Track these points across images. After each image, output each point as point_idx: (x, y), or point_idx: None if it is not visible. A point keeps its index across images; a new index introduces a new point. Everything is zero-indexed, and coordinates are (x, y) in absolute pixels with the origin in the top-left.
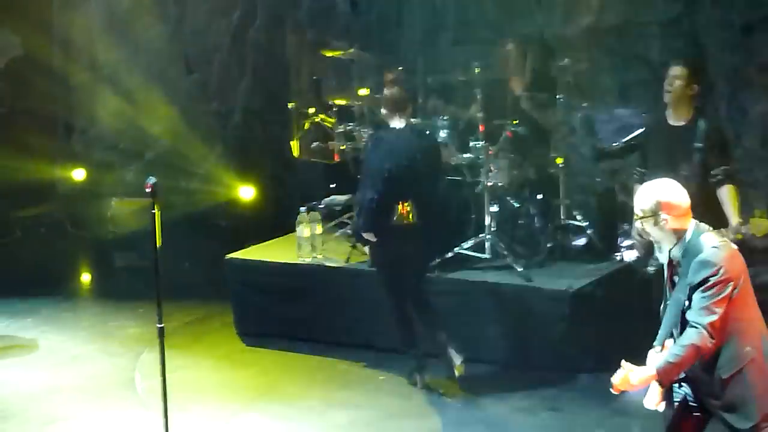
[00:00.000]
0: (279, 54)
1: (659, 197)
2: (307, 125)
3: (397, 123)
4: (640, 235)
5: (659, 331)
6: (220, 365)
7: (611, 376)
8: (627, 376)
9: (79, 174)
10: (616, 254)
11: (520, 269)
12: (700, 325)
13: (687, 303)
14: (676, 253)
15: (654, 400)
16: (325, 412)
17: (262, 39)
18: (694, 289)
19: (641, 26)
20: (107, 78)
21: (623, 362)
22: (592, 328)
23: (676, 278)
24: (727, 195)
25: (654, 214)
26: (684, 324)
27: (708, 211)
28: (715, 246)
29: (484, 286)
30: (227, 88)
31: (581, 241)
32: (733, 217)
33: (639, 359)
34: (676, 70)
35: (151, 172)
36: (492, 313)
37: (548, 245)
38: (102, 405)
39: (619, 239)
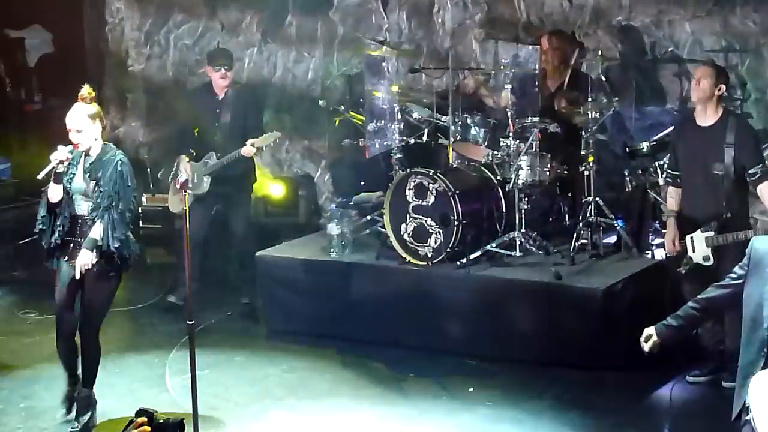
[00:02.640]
0: (310, 51)
1: None
2: (337, 122)
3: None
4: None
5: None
6: (250, 362)
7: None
8: None
9: None
10: (646, 252)
11: (550, 267)
12: None
13: None
14: None
15: None
16: (354, 409)
17: (292, 35)
18: None
19: (672, 23)
20: (138, 74)
21: None
22: (622, 326)
23: None
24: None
25: None
26: None
27: (739, 209)
28: None
29: (514, 284)
30: (259, 85)
31: (611, 239)
32: None
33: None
34: (703, 71)
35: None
36: (522, 311)
37: (578, 243)
38: (132, 402)
39: (649, 237)
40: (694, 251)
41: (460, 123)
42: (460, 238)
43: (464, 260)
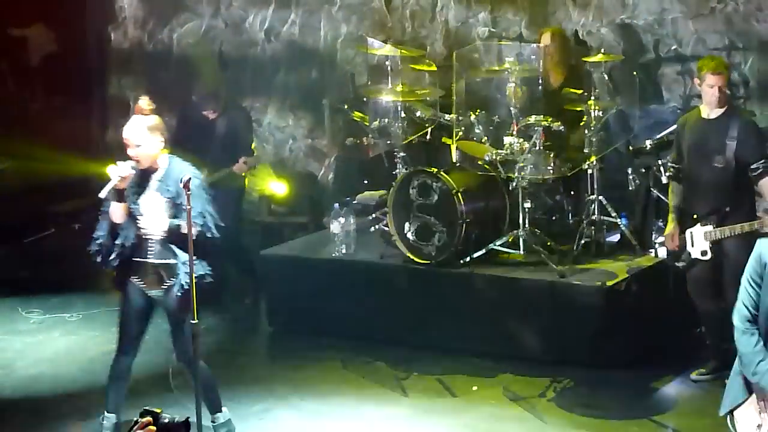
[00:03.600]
0: (313, 49)
1: None
2: (340, 121)
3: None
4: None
5: None
6: (254, 361)
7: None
8: None
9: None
10: (649, 250)
11: (553, 265)
12: None
13: None
14: None
15: None
16: (358, 407)
17: (296, 34)
18: None
19: (675, 22)
20: (141, 73)
21: None
22: (626, 324)
23: None
24: None
25: None
26: None
27: (741, 202)
28: None
29: (517, 283)
30: (261, 84)
31: (615, 237)
32: None
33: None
34: (718, 79)
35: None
36: (526, 310)
37: (582, 241)
38: (135, 401)
39: (653, 235)
40: (692, 246)
41: (463, 121)
42: (464, 236)
43: (468, 259)
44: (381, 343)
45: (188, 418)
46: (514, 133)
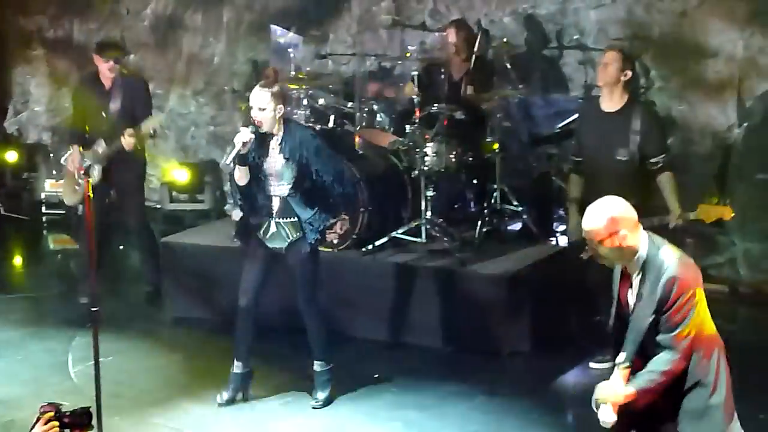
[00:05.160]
0: (216, 36)
1: (612, 213)
2: (243, 108)
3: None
4: (591, 255)
5: (622, 348)
6: (155, 349)
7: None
8: (614, 391)
9: (11, 156)
10: (551, 239)
11: (455, 253)
12: (674, 348)
13: (653, 322)
14: (634, 268)
15: (611, 416)
16: (259, 396)
17: (198, 21)
18: (662, 308)
19: (577, 12)
20: (42, 59)
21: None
22: (527, 312)
23: (630, 294)
24: (667, 182)
25: (611, 232)
26: (649, 343)
27: (644, 196)
28: (677, 261)
29: (419, 270)
30: (163, 70)
31: (516, 226)
32: (675, 204)
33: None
34: (610, 56)
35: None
36: (427, 297)
37: (484, 230)
38: (34, 389)
39: (554, 224)
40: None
41: (366, 109)
42: (366, 224)
43: (370, 247)
44: (281, 332)
45: (89, 408)
46: (417, 121)
